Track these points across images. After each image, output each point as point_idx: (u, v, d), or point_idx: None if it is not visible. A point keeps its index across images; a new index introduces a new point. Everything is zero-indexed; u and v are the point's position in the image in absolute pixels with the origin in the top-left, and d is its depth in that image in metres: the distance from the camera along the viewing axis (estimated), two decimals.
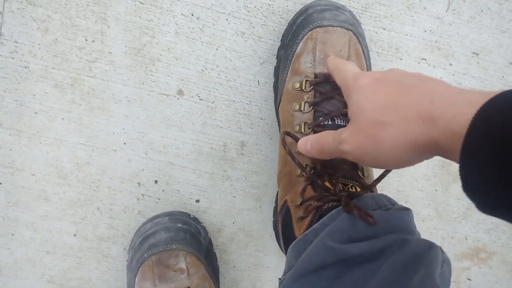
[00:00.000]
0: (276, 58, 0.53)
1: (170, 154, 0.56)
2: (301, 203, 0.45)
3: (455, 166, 0.61)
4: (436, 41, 0.57)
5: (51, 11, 0.51)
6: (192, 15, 0.53)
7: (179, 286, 0.52)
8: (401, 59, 0.57)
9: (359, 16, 0.55)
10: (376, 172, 0.54)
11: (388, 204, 0.41)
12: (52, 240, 0.57)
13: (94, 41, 0.53)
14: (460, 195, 0.62)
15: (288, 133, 0.45)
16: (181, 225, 0.54)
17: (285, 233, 0.49)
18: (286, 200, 0.48)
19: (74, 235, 0.57)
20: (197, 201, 0.58)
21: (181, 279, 0.52)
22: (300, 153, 0.46)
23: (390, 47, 0.56)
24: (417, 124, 0.30)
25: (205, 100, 0.55)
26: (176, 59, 0.54)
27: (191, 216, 0.57)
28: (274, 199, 0.59)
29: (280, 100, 0.51)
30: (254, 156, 0.58)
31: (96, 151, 0.55)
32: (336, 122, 0.47)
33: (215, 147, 0.57)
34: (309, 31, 0.48)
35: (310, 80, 0.47)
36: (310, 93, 0.47)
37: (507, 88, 0.58)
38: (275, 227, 0.59)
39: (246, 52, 0.54)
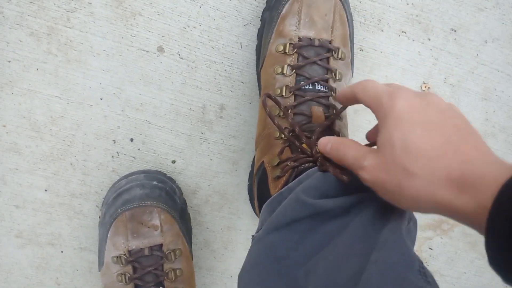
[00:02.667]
0: (261, 21, 0.53)
1: (147, 112, 0.56)
2: (278, 164, 0.46)
3: None
4: (417, 15, 0.58)
5: None
6: None
7: (152, 242, 0.52)
8: (382, 31, 0.58)
9: None
10: (352, 136, 0.55)
11: None
12: (22, 194, 0.56)
13: None
14: None
15: (269, 95, 0.45)
16: (156, 183, 0.53)
17: (260, 193, 0.50)
18: (263, 162, 0.49)
19: (45, 190, 0.56)
20: (173, 161, 0.58)
21: (154, 235, 0.52)
22: (279, 115, 0.47)
23: (373, 18, 0.57)
24: (444, 188, 0.29)
25: (185, 59, 0.54)
26: (158, 14, 0.53)
27: (167, 175, 0.57)
28: (251, 163, 0.59)
29: (263, 62, 0.51)
30: (232, 119, 0.58)
31: (71, 105, 0.54)
32: (317, 87, 0.47)
33: (193, 108, 0.56)
34: None
35: (294, 43, 0.47)
36: (293, 56, 0.47)
37: (480, 66, 0.60)
38: (250, 191, 0.60)
39: (230, 12, 0.54)
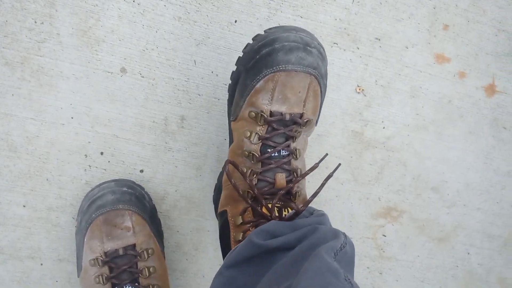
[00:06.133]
0: (235, 65, 0.54)
1: (114, 127, 0.62)
2: (240, 224, 0.51)
3: (366, 136, 0.71)
4: (345, 28, 0.67)
5: None
6: (133, 1, 0.60)
7: (126, 243, 0.57)
8: None
9: (280, 6, 0.64)
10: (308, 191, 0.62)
11: (308, 215, 0.50)
12: (2, 212, 0.60)
13: (43, 23, 0.58)
14: (372, 161, 0.72)
15: (232, 163, 0.49)
16: (126, 189, 0.59)
17: (223, 241, 0.56)
18: (226, 211, 0.54)
19: (24, 206, 0.61)
20: (141, 171, 0.64)
21: (127, 236, 0.57)
22: (241, 176, 0.51)
23: None
24: None
25: (146, 77, 0.62)
26: (119, 40, 0.60)
27: (136, 183, 0.62)
28: (214, 168, 0.66)
29: (236, 117, 0.53)
30: (193, 129, 0.65)
31: (45, 125, 0.60)
32: (281, 153, 0.52)
33: (156, 121, 0.63)
34: (272, 72, 0.49)
35: (265, 117, 0.50)
36: (263, 127, 0.51)
37: (405, 68, 0.70)
38: (215, 202, 0.65)
39: (183, 35, 0.62)
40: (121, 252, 0.56)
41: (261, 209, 0.50)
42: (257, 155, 0.51)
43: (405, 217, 0.76)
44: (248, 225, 0.50)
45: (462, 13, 0.71)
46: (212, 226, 0.68)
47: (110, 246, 0.56)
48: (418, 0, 0.69)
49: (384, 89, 0.71)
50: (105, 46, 0.60)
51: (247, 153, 0.51)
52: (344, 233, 0.44)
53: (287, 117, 0.50)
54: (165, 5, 0.61)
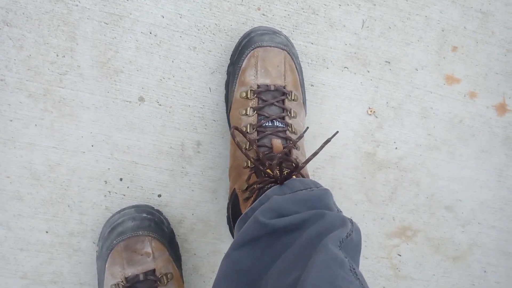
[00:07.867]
0: (226, 74, 0.63)
1: (133, 154, 0.64)
2: (247, 188, 0.54)
3: (378, 157, 0.72)
4: (355, 53, 0.69)
5: (26, 31, 0.59)
6: (150, 33, 0.62)
7: (146, 268, 0.58)
8: (327, 68, 0.68)
9: (291, 33, 0.66)
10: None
11: (313, 187, 0.51)
12: (25, 238, 0.62)
13: (64, 56, 0.60)
14: (385, 181, 0.73)
15: (236, 128, 0.53)
16: (146, 215, 0.61)
17: (234, 216, 0.58)
18: (234, 189, 0.57)
19: (46, 232, 0.63)
20: (159, 195, 0.65)
21: (148, 261, 0.59)
22: (246, 148, 0.55)
23: (318, 58, 0.68)
24: None
25: (163, 105, 0.64)
26: (137, 70, 0.62)
27: (155, 208, 0.64)
28: (228, 194, 0.67)
29: (230, 108, 0.61)
30: (209, 153, 0.66)
31: (66, 154, 0.62)
32: (275, 124, 0.57)
33: (173, 147, 0.65)
34: (252, 50, 0.59)
35: (253, 89, 0.58)
36: (254, 100, 0.58)
37: (415, 89, 0.71)
38: (228, 221, 0.67)
39: (198, 64, 0.64)
40: (141, 277, 0.57)
41: (265, 169, 0.51)
42: (254, 123, 0.56)
43: (420, 236, 0.76)
44: (254, 185, 0.53)
45: (471, 34, 0.73)
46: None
47: (130, 271, 0.58)
48: (426, 24, 0.71)
49: (395, 110, 0.72)
50: (124, 77, 0.62)
51: (244, 128, 0.57)
52: (351, 220, 0.45)
53: (272, 87, 0.58)
54: (180, 36, 0.63)
